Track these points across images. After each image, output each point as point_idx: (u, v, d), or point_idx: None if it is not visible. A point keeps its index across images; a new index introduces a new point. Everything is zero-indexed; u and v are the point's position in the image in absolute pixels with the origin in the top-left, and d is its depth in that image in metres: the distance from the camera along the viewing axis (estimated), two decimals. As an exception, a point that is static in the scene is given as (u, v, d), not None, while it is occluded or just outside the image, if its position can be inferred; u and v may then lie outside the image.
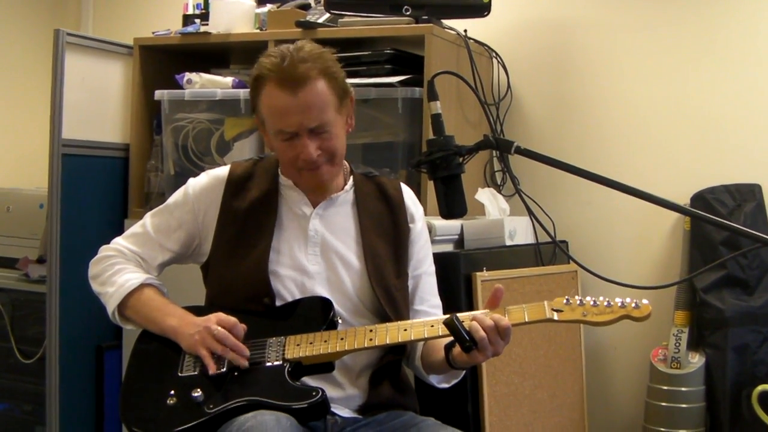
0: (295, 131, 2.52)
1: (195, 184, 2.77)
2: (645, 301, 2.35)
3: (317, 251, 2.66)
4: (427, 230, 2.87)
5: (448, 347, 2.45)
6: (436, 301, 2.82)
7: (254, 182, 2.73)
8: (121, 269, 2.71)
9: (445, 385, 2.72)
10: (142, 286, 2.67)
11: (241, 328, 2.51)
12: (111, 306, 2.68)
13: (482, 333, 2.34)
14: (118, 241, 2.79)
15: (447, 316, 2.41)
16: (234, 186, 2.72)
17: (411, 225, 2.79)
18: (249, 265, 2.62)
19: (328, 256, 2.66)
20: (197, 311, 2.62)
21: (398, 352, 2.69)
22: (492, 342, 2.35)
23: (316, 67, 2.51)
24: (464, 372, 2.68)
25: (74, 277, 3.78)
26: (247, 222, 2.67)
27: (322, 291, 2.62)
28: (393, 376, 2.71)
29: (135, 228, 2.81)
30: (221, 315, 2.53)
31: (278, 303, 2.61)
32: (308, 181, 2.63)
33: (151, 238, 2.76)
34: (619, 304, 2.36)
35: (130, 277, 2.68)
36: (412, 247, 2.78)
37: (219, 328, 2.48)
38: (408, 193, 2.85)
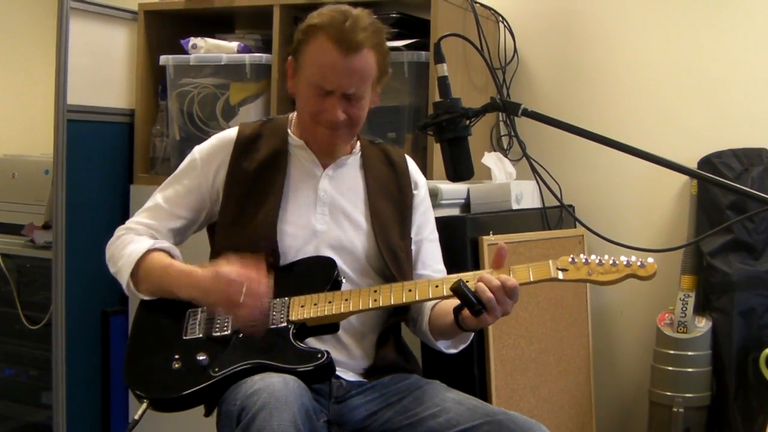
0: (331, 90, 2.54)
1: (202, 148, 2.77)
2: (650, 260, 2.35)
3: (326, 211, 2.67)
4: (429, 199, 2.89)
5: (457, 310, 2.44)
6: (440, 267, 2.83)
7: (263, 142, 2.73)
8: (128, 242, 2.69)
9: (453, 351, 2.72)
10: (147, 252, 2.64)
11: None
12: (123, 279, 2.65)
13: (489, 294, 2.33)
14: (131, 219, 2.78)
15: (454, 279, 2.41)
16: (242, 147, 2.72)
17: (414, 191, 2.81)
18: (257, 224, 2.62)
19: (337, 216, 2.67)
20: None
21: (401, 313, 2.70)
22: (500, 302, 2.35)
23: (372, 40, 2.54)
24: (471, 337, 2.68)
25: (80, 243, 3.79)
26: (256, 181, 2.68)
27: (329, 250, 2.63)
28: (396, 338, 2.74)
29: (147, 204, 2.79)
30: (225, 275, 2.46)
31: (283, 262, 2.61)
32: (322, 137, 2.63)
33: (162, 209, 2.75)
34: (625, 263, 2.35)
35: (135, 248, 2.65)
36: (415, 212, 2.80)
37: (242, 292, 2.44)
38: (411, 162, 2.89)
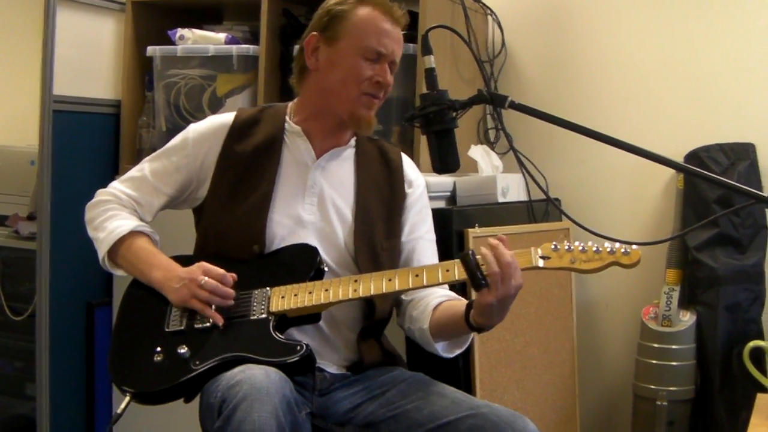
0: (386, 54, 2.61)
1: (196, 128, 2.77)
2: (635, 247, 2.33)
3: (314, 201, 2.66)
4: (426, 198, 2.87)
5: (469, 306, 2.43)
6: None
7: (259, 128, 2.74)
8: (113, 215, 2.71)
9: (449, 355, 2.68)
10: (132, 233, 2.66)
11: (230, 278, 2.51)
12: (101, 252, 2.69)
13: (495, 268, 2.30)
14: (115, 185, 2.79)
15: (433, 269, 2.42)
16: (238, 131, 2.72)
17: (408, 190, 2.80)
18: (247, 210, 2.63)
19: (325, 208, 2.67)
20: (185, 261, 2.61)
21: (371, 317, 2.68)
22: (504, 277, 2.30)
23: (406, 23, 2.68)
24: (468, 342, 2.66)
25: (64, 233, 3.77)
26: (249, 167, 2.68)
27: (313, 240, 2.62)
28: (379, 335, 2.74)
29: (133, 172, 2.81)
30: (206, 265, 2.53)
31: (267, 250, 2.61)
32: (363, 107, 2.64)
33: (148, 182, 2.76)
34: (608, 250, 2.34)
35: (121, 224, 2.67)
36: (408, 212, 2.78)
37: (206, 278, 2.48)
38: (408, 161, 2.87)
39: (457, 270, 2.39)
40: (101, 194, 2.78)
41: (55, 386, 3.77)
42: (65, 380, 3.95)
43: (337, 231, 2.66)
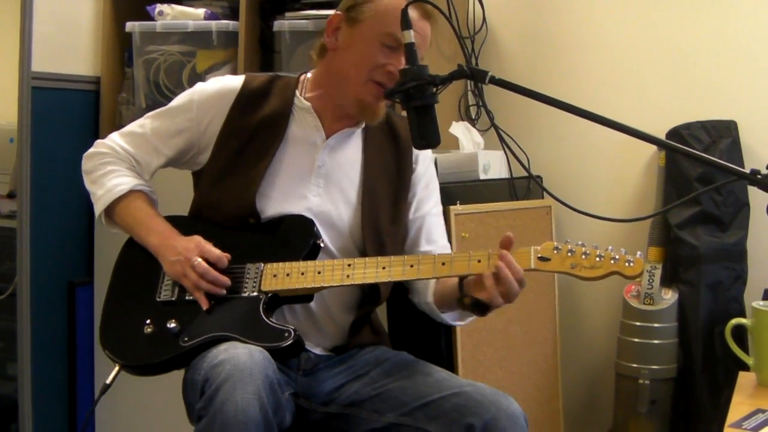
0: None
1: (202, 90, 2.70)
2: (639, 255, 2.29)
3: (321, 183, 2.62)
4: (433, 170, 2.84)
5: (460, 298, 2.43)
6: (444, 242, 2.77)
7: (268, 99, 2.67)
8: (112, 171, 2.67)
9: (461, 323, 2.68)
10: (131, 192, 2.64)
11: (225, 260, 2.49)
12: (98, 209, 2.66)
13: (500, 299, 2.32)
14: (115, 138, 2.74)
15: (429, 260, 2.41)
16: (245, 99, 2.66)
17: (414, 166, 2.76)
18: (240, 184, 2.59)
19: (330, 190, 2.63)
20: (180, 223, 2.60)
21: (374, 302, 2.67)
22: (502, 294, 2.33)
23: (432, 20, 2.58)
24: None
25: (45, 212, 3.75)
26: (252, 140, 2.62)
27: (315, 222, 2.58)
28: (370, 322, 2.72)
29: (134, 127, 2.75)
30: (203, 245, 2.50)
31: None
32: (369, 96, 2.56)
33: (148, 140, 2.70)
34: (611, 258, 2.28)
35: (120, 182, 2.65)
36: (415, 187, 2.75)
37: (199, 260, 2.46)
38: None
39: (454, 264, 2.38)
40: (99, 145, 2.73)
41: (36, 366, 3.76)
42: (47, 360, 3.94)
43: (342, 215, 2.63)
